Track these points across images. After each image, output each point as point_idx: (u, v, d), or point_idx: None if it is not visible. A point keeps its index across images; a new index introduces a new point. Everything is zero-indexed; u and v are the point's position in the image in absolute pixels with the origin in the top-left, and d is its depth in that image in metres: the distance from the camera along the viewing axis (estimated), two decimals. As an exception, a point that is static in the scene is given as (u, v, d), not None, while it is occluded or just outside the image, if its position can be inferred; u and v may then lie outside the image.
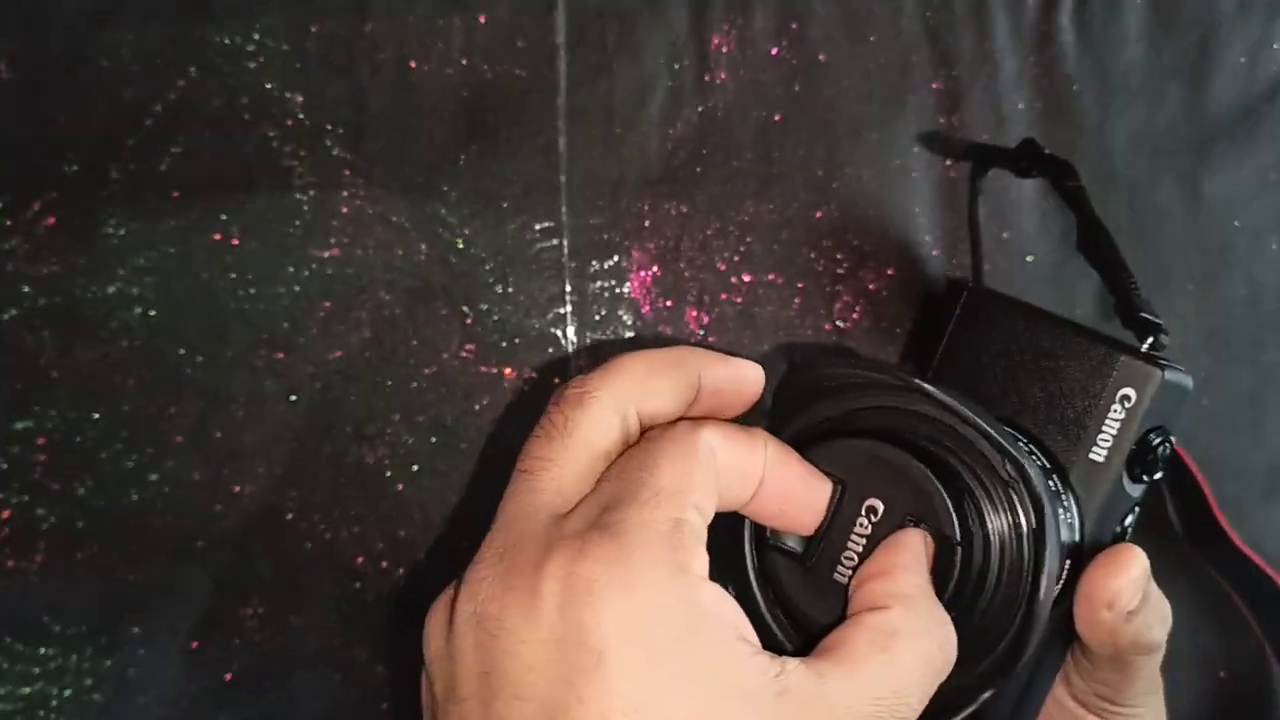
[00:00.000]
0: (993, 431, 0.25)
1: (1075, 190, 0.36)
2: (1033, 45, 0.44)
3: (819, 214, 0.43)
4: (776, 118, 0.43)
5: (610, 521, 0.24)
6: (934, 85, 0.44)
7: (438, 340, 0.42)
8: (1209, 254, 0.45)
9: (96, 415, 0.40)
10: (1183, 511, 0.45)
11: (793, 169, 0.43)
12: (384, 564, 0.42)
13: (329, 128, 0.41)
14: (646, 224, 0.43)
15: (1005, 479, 0.25)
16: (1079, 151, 0.45)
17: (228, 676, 0.40)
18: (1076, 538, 0.29)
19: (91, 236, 0.40)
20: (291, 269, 0.41)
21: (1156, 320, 0.32)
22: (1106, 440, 0.30)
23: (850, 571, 0.26)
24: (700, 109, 0.43)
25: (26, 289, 0.40)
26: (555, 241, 0.42)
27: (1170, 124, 0.45)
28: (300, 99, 0.41)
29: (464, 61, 0.42)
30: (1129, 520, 0.31)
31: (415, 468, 0.42)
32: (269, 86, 0.41)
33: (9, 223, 0.40)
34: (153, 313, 0.40)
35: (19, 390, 0.39)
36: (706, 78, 0.43)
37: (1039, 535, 0.24)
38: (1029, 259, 0.45)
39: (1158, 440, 0.30)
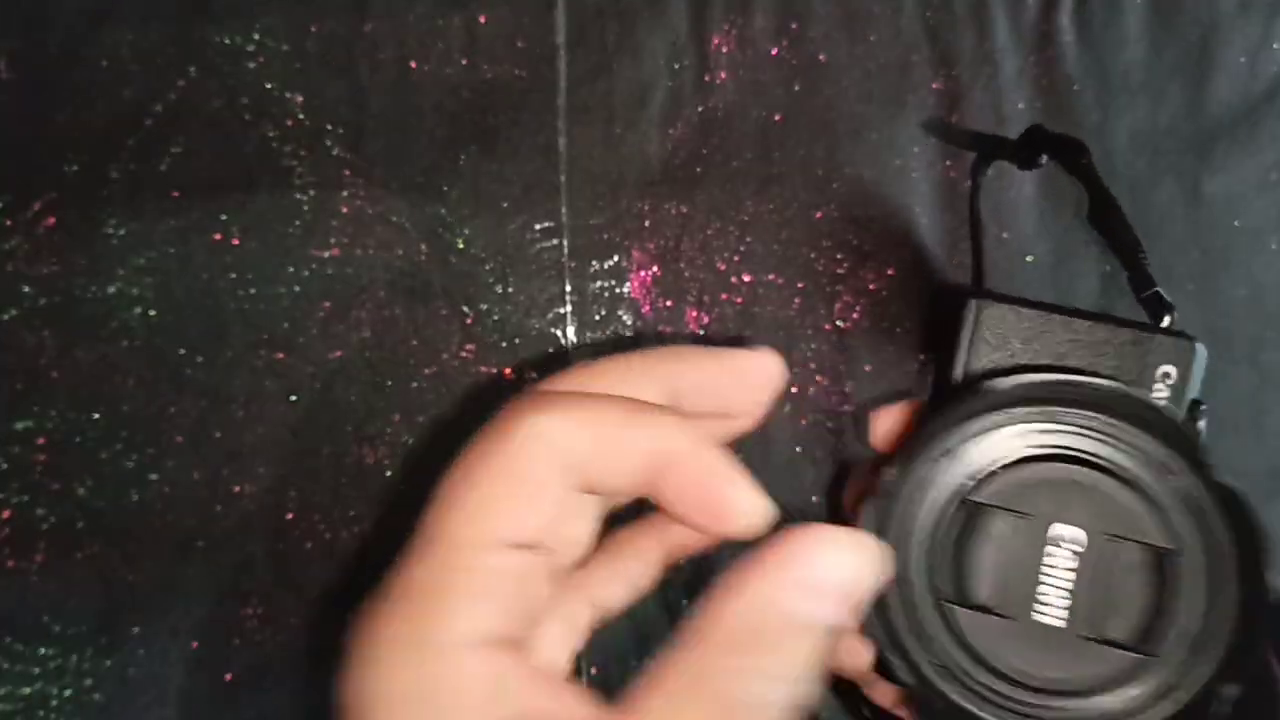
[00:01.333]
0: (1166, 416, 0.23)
1: (1087, 166, 0.34)
2: (1033, 45, 0.44)
3: (819, 214, 0.43)
4: (776, 118, 0.43)
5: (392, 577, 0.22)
6: (934, 85, 0.44)
7: (438, 340, 0.42)
8: (1209, 254, 0.45)
9: (96, 415, 0.40)
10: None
11: (793, 169, 0.43)
12: (384, 564, 0.42)
13: (329, 128, 0.41)
14: (646, 224, 0.43)
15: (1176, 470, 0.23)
16: (1079, 151, 0.45)
17: (228, 676, 0.40)
18: None
19: (91, 236, 0.40)
20: (291, 269, 0.41)
21: (1168, 298, 0.32)
22: None
23: (1065, 614, 0.24)
24: (700, 109, 0.43)
25: (26, 289, 0.40)
26: (555, 241, 0.42)
27: (1171, 124, 0.45)
28: (300, 99, 0.41)
29: (464, 61, 0.42)
30: None
31: (415, 467, 0.42)
32: (269, 86, 0.41)
33: (9, 223, 0.40)
34: (153, 313, 0.40)
35: (19, 390, 0.39)
36: (706, 78, 0.43)
37: (1240, 516, 0.23)
38: (1029, 259, 0.44)
39: (1203, 410, 0.29)
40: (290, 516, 0.41)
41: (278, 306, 0.41)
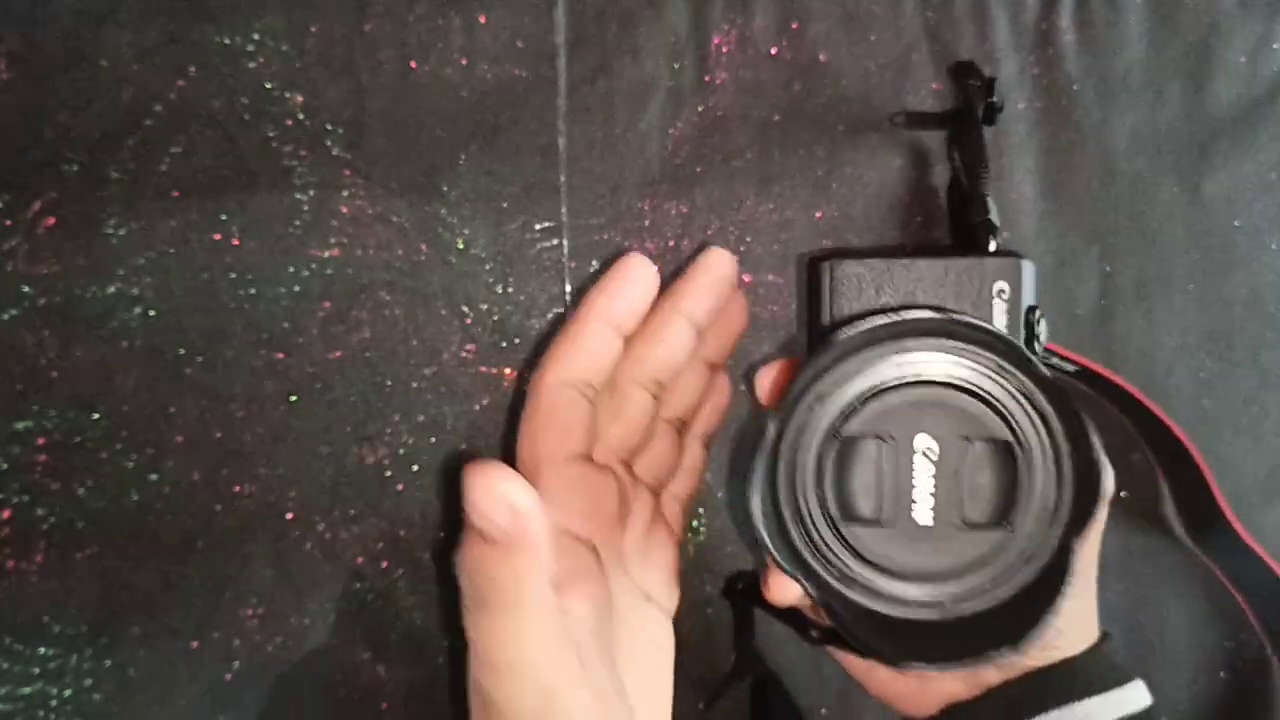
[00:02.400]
0: (996, 331, 0.27)
1: (974, 88, 0.39)
2: (1032, 45, 0.44)
3: (819, 214, 0.43)
4: (776, 118, 0.43)
5: None
6: (934, 85, 0.44)
7: (438, 340, 0.42)
8: (1209, 254, 0.45)
9: (96, 415, 0.40)
10: (1184, 505, 0.45)
11: (793, 169, 0.43)
12: (384, 564, 0.42)
13: (329, 128, 0.41)
14: (646, 224, 0.43)
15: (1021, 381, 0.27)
16: (1079, 152, 0.45)
17: (228, 677, 0.41)
18: None
19: (91, 236, 0.40)
20: (291, 269, 0.41)
21: (996, 222, 0.36)
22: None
23: (932, 512, 0.28)
24: (700, 109, 0.43)
25: (26, 289, 0.39)
26: (555, 241, 0.42)
27: (1171, 123, 0.45)
28: (300, 99, 0.41)
29: (464, 61, 0.42)
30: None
31: (415, 468, 0.42)
32: (269, 86, 0.41)
33: (9, 223, 0.40)
34: (152, 313, 0.40)
35: (19, 390, 0.39)
36: (706, 78, 0.43)
37: (1064, 403, 0.26)
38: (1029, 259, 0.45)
39: (1038, 313, 0.34)
40: (290, 516, 0.41)
41: (278, 306, 0.41)
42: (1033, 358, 0.27)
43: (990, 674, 0.35)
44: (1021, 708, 0.34)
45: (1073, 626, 0.35)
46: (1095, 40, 0.44)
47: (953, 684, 0.35)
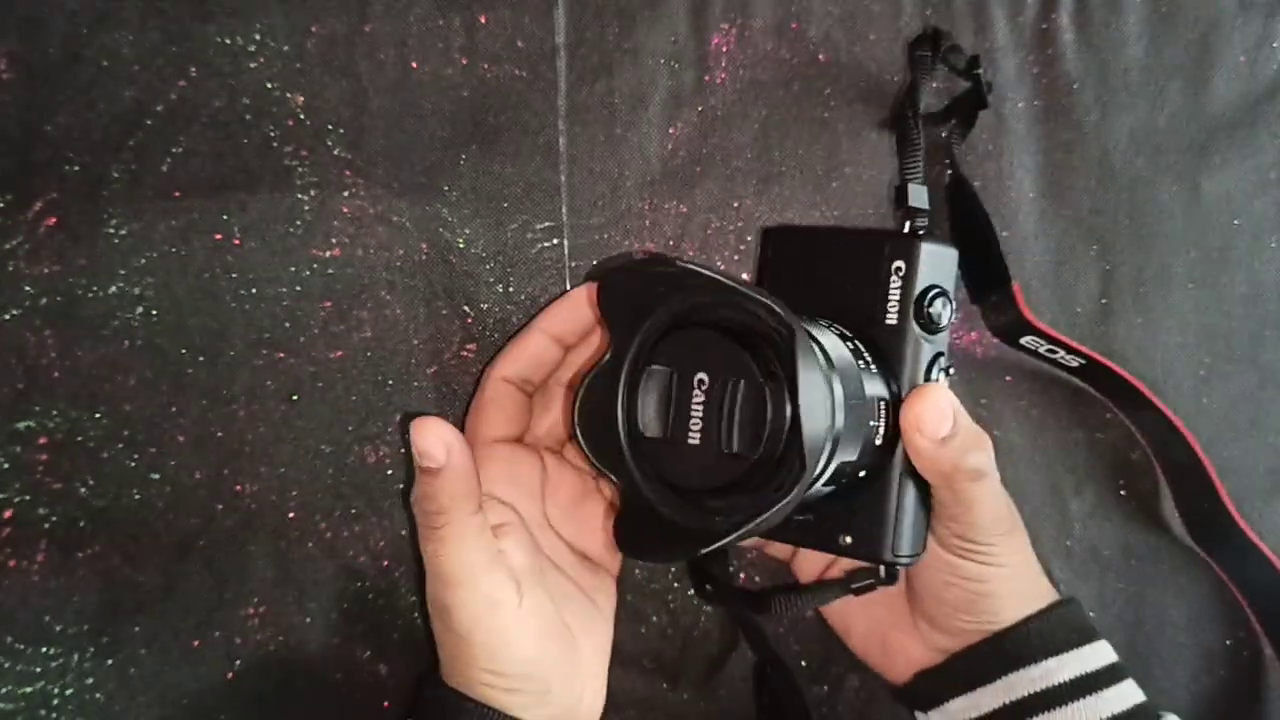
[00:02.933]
0: (737, 285, 0.31)
1: (976, 77, 0.41)
2: (1032, 44, 0.44)
3: (819, 214, 0.43)
4: (776, 118, 0.43)
5: None
6: (934, 85, 0.44)
7: (438, 340, 0.42)
8: (1209, 253, 0.45)
9: (98, 415, 0.40)
10: (1185, 502, 0.45)
11: (792, 169, 0.43)
12: (385, 563, 0.42)
13: (330, 128, 0.41)
14: (646, 224, 0.43)
15: (772, 327, 0.31)
16: (1079, 151, 0.45)
17: (229, 675, 0.41)
18: (887, 391, 0.37)
19: (92, 236, 0.40)
20: (292, 269, 0.41)
21: (921, 208, 0.39)
22: (894, 306, 0.37)
23: (699, 435, 0.32)
24: (700, 109, 0.43)
25: (28, 289, 0.40)
26: (555, 241, 0.42)
27: (1170, 123, 0.45)
28: (301, 99, 0.41)
29: (464, 61, 0.42)
30: (937, 368, 0.38)
31: (416, 467, 0.42)
32: (269, 86, 0.41)
33: (9, 223, 0.40)
34: (154, 313, 0.40)
35: (20, 390, 0.39)
36: (706, 78, 0.43)
37: (788, 347, 0.31)
38: (1029, 258, 0.45)
39: (935, 295, 0.37)
40: (291, 516, 0.41)
41: (279, 306, 0.41)
42: (781, 316, 0.31)
43: (951, 641, 0.39)
44: (982, 671, 0.39)
45: (1010, 592, 0.38)
46: (1095, 39, 0.45)
47: (919, 651, 0.40)
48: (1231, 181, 0.45)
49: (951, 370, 0.38)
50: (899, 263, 0.37)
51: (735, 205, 0.43)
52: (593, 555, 0.41)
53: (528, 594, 0.36)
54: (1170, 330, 0.45)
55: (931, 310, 0.37)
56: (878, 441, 0.36)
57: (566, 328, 0.40)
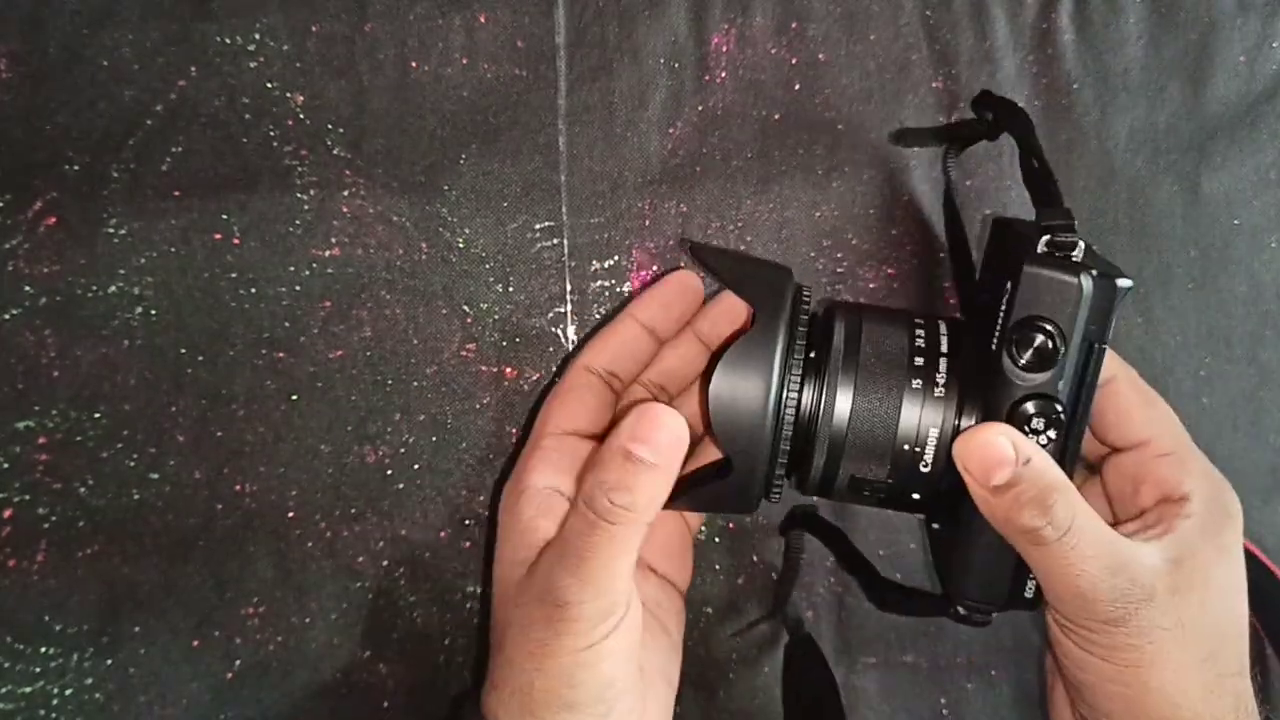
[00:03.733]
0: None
1: (1026, 129, 0.37)
2: (1032, 44, 0.44)
3: (819, 214, 0.43)
4: (776, 117, 0.43)
5: None
6: (934, 84, 0.44)
7: (438, 339, 0.42)
8: (1209, 252, 0.45)
9: (98, 415, 0.40)
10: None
11: (792, 169, 0.43)
12: (385, 563, 0.42)
13: (330, 127, 0.41)
14: (646, 224, 0.43)
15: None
16: (1079, 151, 0.45)
17: (228, 676, 0.41)
18: (941, 418, 0.33)
19: (92, 236, 0.40)
20: (292, 268, 0.41)
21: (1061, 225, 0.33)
22: (998, 329, 0.33)
23: None
24: (700, 109, 0.43)
25: (27, 289, 0.40)
26: (555, 241, 0.42)
27: (1170, 123, 0.45)
28: (301, 99, 0.41)
29: (464, 61, 0.42)
30: (1034, 414, 0.32)
31: (416, 467, 0.42)
32: (270, 86, 0.41)
33: (9, 222, 0.40)
34: (154, 312, 0.40)
35: (20, 390, 0.39)
36: (706, 78, 0.43)
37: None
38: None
39: (1036, 328, 0.32)
40: (291, 516, 0.41)
41: (278, 306, 0.41)
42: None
43: None
44: None
45: (1157, 699, 0.32)
46: (1094, 39, 0.45)
47: None
48: (1231, 181, 0.45)
49: (1051, 436, 0.32)
50: (1010, 281, 0.33)
51: (735, 205, 0.43)
52: (660, 568, 0.39)
53: (629, 613, 0.33)
54: (1170, 330, 0.45)
55: (1020, 342, 0.32)
56: (923, 468, 0.34)
57: (660, 316, 0.38)
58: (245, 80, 0.41)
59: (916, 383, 0.33)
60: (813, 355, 0.34)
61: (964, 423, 0.33)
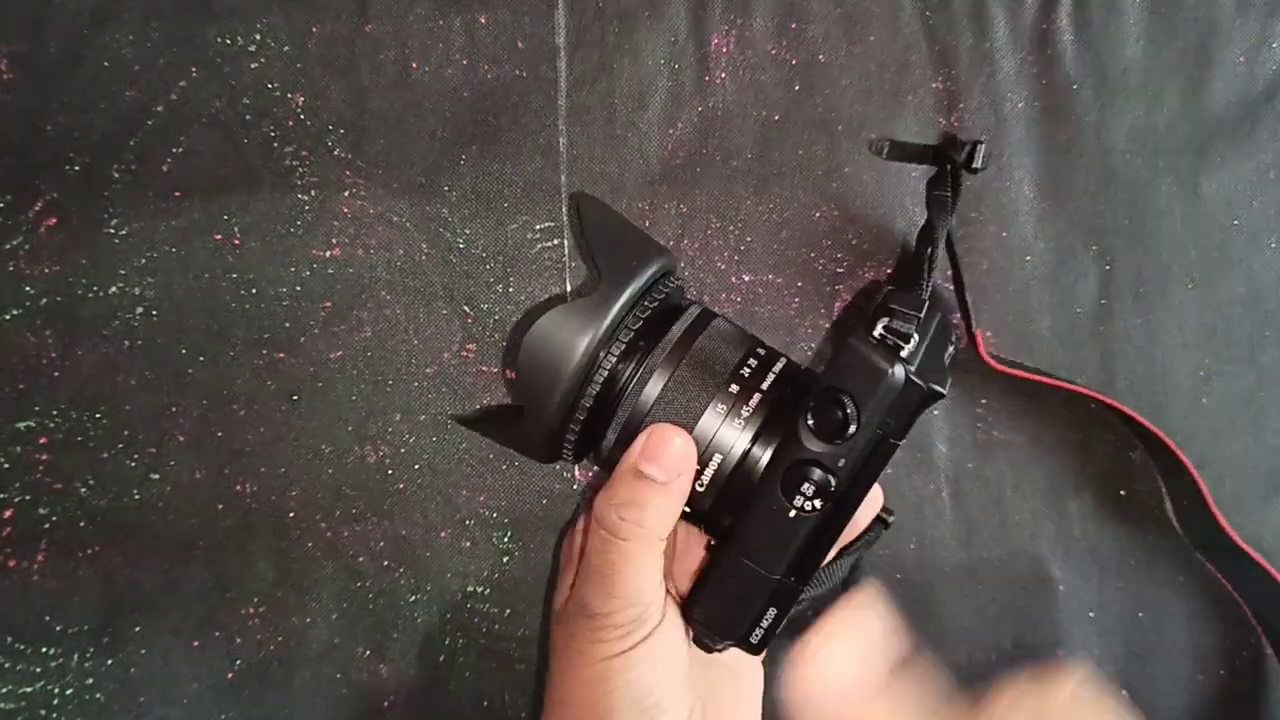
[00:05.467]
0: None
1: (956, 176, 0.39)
2: (1032, 45, 0.44)
3: (819, 214, 0.43)
4: (776, 118, 0.43)
5: None
6: (933, 85, 0.44)
7: (439, 340, 0.42)
8: (1208, 253, 0.45)
9: (98, 415, 0.40)
10: (1182, 512, 0.45)
11: (792, 169, 0.43)
12: (385, 563, 0.42)
13: (330, 128, 0.41)
14: (646, 224, 0.43)
15: None
16: (1078, 151, 0.45)
17: (229, 675, 0.41)
18: (739, 441, 0.34)
19: (93, 237, 0.40)
20: (293, 269, 0.41)
21: (904, 311, 0.33)
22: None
23: None
24: (700, 109, 0.43)
25: (28, 289, 0.40)
26: (556, 241, 0.42)
27: (1169, 123, 0.45)
28: (301, 99, 0.41)
29: (464, 62, 0.42)
30: (808, 483, 0.33)
31: (416, 467, 0.42)
32: (270, 87, 0.41)
33: (10, 223, 0.40)
34: (154, 313, 0.40)
35: (21, 390, 0.40)
36: (706, 78, 0.43)
37: None
38: (1028, 259, 0.45)
39: (842, 406, 0.32)
40: (291, 516, 0.41)
41: (279, 306, 0.41)
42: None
43: None
44: None
45: None
46: (1094, 40, 0.45)
47: None
48: (1231, 181, 0.45)
49: (817, 505, 0.33)
50: (837, 348, 0.34)
51: (735, 205, 0.43)
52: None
53: (664, 624, 0.35)
54: (1170, 330, 0.45)
55: (818, 407, 0.32)
56: (698, 486, 0.34)
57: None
58: (246, 81, 0.41)
59: (726, 401, 0.34)
60: (650, 330, 0.34)
61: (754, 455, 0.34)
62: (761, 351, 0.35)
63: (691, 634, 0.36)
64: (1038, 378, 0.42)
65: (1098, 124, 0.45)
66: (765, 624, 0.34)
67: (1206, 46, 0.45)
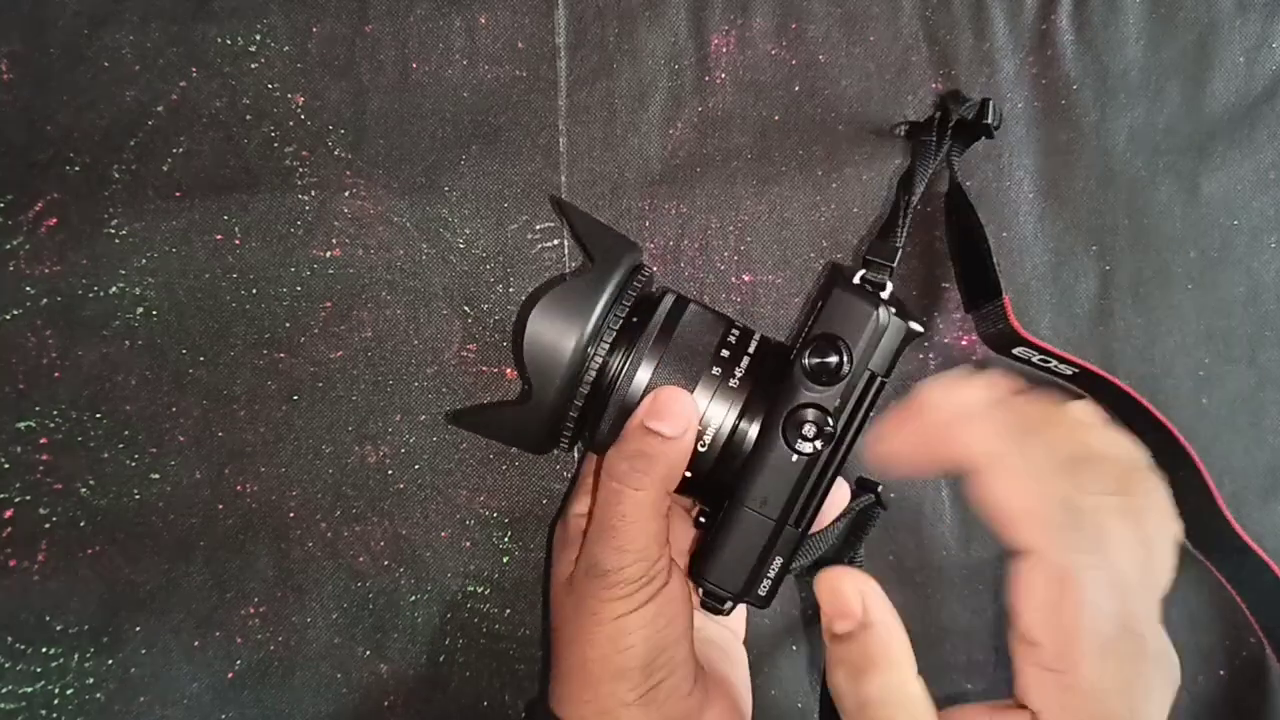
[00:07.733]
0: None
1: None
2: (1031, 45, 0.44)
3: (819, 214, 0.44)
4: (776, 118, 0.43)
5: None
6: (933, 85, 0.44)
7: (439, 340, 0.42)
8: (1208, 253, 0.45)
9: (99, 415, 0.40)
10: (1182, 505, 0.45)
11: (792, 169, 0.43)
12: (385, 563, 0.42)
13: (330, 128, 0.41)
14: (646, 224, 0.43)
15: None
16: (1078, 151, 0.45)
17: (229, 675, 0.41)
18: (728, 408, 0.35)
19: (93, 237, 0.40)
20: (293, 269, 0.41)
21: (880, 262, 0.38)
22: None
23: None
24: (700, 109, 0.43)
25: (29, 289, 0.40)
26: (556, 242, 0.42)
27: (1169, 123, 0.45)
28: (302, 100, 0.41)
29: (464, 62, 0.42)
30: (808, 425, 0.35)
31: (417, 466, 0.42)
32: (270, 87, 0.41)
33: (10, 223, 0.40)
34: (154, 313, 0.40)
35: (21, 390, 0.40)
36: (706, 78, 0.43)
37: None
38: (1028, 259, 0.45)
39: (836, 350, 0.35)
40: (291, 516, 0.41)
41: (279, 306, 0.41)
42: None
43: None
44: None
45: None
46: (1094, 40, 0.45)
47: None
48: (1231, 181, 0.45)
49: (818, 446, 0.34)
50: (821, 301, 0.35)
51: (735, 205, 0.43)
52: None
53: (672, 582, 0.35)
54: (1170, 330, 0.45)
55: (813, 354, 0.35)
56: (700, 448, 0.35)
57: None
58: (246, 81, 0.41)
59: (716, 370, 0.35)
60: (633, 322, 0.35)
61: (747, 420, 0.35)
62: (736, 329, 0.37)
63: (698, 599, 0.37)
64: (1055, 350, 0.41)
65: (1098, 124, 0.45)
66: (772, 574, 0.36)
67: (1206, 46, 0.45)
